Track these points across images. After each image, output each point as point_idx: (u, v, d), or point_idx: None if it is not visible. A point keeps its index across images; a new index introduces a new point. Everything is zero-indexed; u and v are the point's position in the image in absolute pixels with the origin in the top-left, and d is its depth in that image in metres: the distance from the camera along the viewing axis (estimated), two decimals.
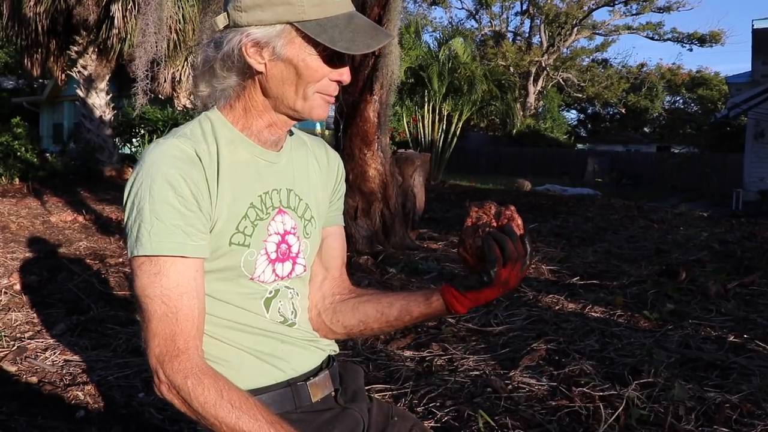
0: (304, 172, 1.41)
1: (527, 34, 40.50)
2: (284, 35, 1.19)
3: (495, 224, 1.23)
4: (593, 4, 37.18)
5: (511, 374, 3.06)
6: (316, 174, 1.44)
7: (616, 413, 2.63)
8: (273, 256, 1.32)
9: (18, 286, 4.57)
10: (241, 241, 1.26)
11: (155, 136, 15.82)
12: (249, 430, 1.12)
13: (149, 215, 1.15)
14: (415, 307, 1.37)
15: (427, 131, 18.10)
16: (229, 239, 1.25)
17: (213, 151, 1.24)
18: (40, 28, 13.70)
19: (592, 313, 4.23)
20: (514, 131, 29.57)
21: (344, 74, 1.25)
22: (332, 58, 1.21)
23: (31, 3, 13.06)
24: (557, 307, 4.37)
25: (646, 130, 42.76)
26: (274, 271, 1.32)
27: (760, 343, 3.60)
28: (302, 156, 1.42)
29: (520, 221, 1.23)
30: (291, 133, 1.38)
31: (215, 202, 1.23)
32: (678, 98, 42.99)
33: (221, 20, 1.24)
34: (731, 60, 79.85)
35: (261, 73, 1.23)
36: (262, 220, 1.30)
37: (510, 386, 2.93)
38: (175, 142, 1.21)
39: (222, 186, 1.24)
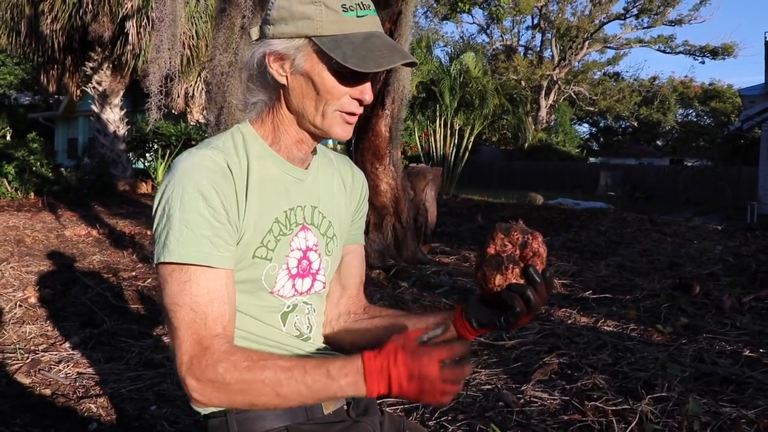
0: (329, 190, 1.42)
1: (538, 48, 40.58)
2: (303, 49, 1.20)
3: (518, 254, 1.20)
4: (604, 18, 37.21)
5: (523, 388, 3.05)
6: (341, 193, 1.45)
7: (630, 428, 2.62)
8: (294, 271, 1.33)
9: (33, 299, 4.60)
10: (264, 254, 1.27)
11: (168, 151, 15.95)
12: (289, 373, 1.10)
13: (179, 223, 1.15)
14: None
15: (438, 145, 18.12)
16: (253, 252, 1.26)
17: (243, 165, 1.25)
18: (56, 45, 13.90)
19: (605, 327, 4.21)
20: (526, 145, 29.57)
21: (365, 92, 1.23)
22: (348, 76, 1.20)
23: (48, 20, 13.25)
24: (570, 321, 4.35)
25: (659, 143, 42.62)
26: (293, 286, 1.33)
27: None
28: (328, 174, 1.43)
29: (544, 253, 1.20)
30: (315, 152, 1.38)
31: (243, 216, 1.24)
32: (691, 111, 42.83)
33: (254, 33, 1.28)
34: (744, 72, 79.67)
35: (285, 86, 1.25)
36: (286, 235, 1.31)
37: (522, 400, 2.92)
38: (208, 154, 1.22)
39: (251, 200, 1.25)
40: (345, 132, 1.26)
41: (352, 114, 1.25)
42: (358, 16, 1.19)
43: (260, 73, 1.27)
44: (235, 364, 1.11)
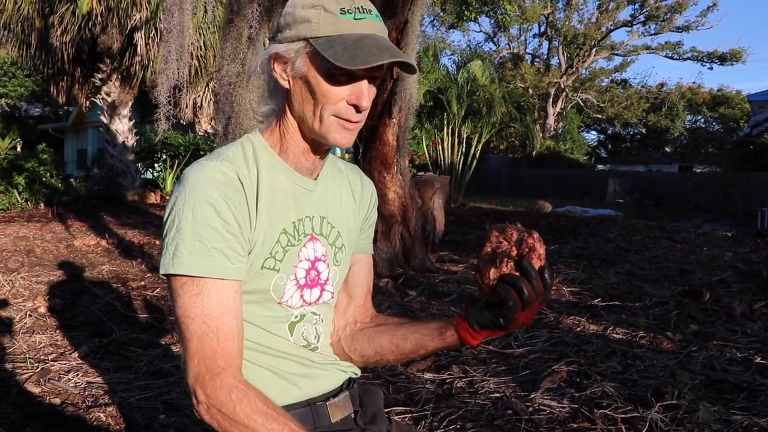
0: (337, 200, 1.42)
1: (546, 56, 40.56)
2: (301, 51, 1.21)
3: (515, 252, 1.18)
4: (611, 25, 37.18)
5: (532, 396, 3.04)
6: (350, 202, 1.45)
7: None
8: (302, 282, 1.33)
9: (42, 309, 4.63)
10: (272, 265, 1.27)
11: (177, 161, 16.02)
12: None
13: (191, 236, 1.15)
14: (429, 341, 1.36)
15: (446, 154, 18.12)
16: (262, 263, 1.26)
17: (253, 176, 1.25)
18: (65, 57, 14.02)
19: (614, 335, 4.19)
20: (534, 153, 29.50)
21: (361, 98, 1.21)
22: (339, 77, 1.20)
23: (58, 33, 13.37)
24: (578, 329, 4.33)
25: (668, 149, 42.44)
26: (302, 296, 1.33)
27: None
28: (337, 184, 1.43)
29: (542, 250, 1.17)
30: (324, 161, 1.38)
31: (254, 227, 1.24)
32: (699, 117, 42.65)
33: (267, 44, 1.30)
34: (753, 78, 79.32)
35: (288, 90, 1.26)
36: (294, 246, 1.30)
37: (531, 408, 2.91)
38: (219, 166, 1.22)
39: (261, 211, 1.25)
40: (343, 138, 1.24)
41: (350, 121, 1.23)
42: (355, 19, 1.19)
43: (269, 80, 1.28)
44: (251, 401, 1.13)
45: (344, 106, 1.22)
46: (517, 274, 1.17)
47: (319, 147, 1.30)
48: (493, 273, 1.18)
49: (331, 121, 1.23)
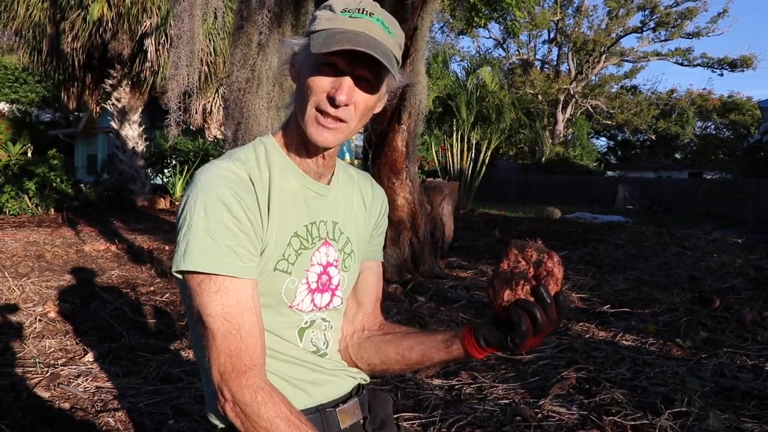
0: (348, 206, 1.42)
1: (555, 62, 40.51)
2: (303, 46, 1.26)
3: (532, 273, 1.16)
4: (621, 31, 37.11)
5: (540, 403, 3.03)
6: (360, 209, 1.46)
7: None
8: (314, 286, 1.33)
9: (52, 314, 4.65)
10: (284, 268, 1.28)
11: (186, 167, 16.09)
12: None
13: (202, 233, 1.16)
14: (435, 353, 1.36)
15: (455, 160, 18.12)
16: (274, 265, 1.26)
17: (265, 178, 1.27)
18: (76, 63, 14.12)
19: (624, 341, 4.17)
20: (543, 159, 29.46)
21: (339, 91, 1.21)
22: (326, 71, 1.21)
23: (69, 39, 13.47)
24: (588, 335, 4.32)
25: (677, 156, 42.27)
26: (312, 301, 1.34)
27: None
28: (348, 191, 1.44)
29: (560, 275, 1.15)
30: (333, 167, 1.39)
31: (266, 227, 1.24)
32: (709, 124, 42.45)
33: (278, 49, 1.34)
34: (763, 84, 78.88)
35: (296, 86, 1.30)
36: (307, 249, 1.31)
37: (540, 415, 2.90)
38: (230, 166, 1.23)
39: (272, 212, 1.25)
40: (318, 134, 1.24)
41: (326, 115, 1.22)
42: (350, 17, 1.22)
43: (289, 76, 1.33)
44: (275, 405, 1.14)
45: (323, 99, 1.22)
46: (532, 299, 1.15)
47: (316, 147, 1.29)
48: (507, 294, 1.16)
49: (312, 114, 1.24)
